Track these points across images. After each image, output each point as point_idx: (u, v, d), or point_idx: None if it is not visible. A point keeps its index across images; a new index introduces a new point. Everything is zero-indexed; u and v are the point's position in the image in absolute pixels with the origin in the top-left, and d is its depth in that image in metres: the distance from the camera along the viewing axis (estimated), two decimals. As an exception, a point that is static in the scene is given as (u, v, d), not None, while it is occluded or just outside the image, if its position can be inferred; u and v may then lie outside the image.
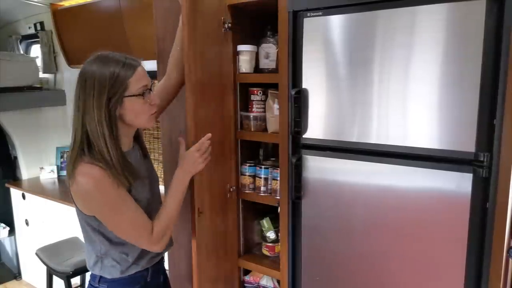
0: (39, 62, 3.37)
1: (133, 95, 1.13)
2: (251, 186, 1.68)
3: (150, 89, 1.18)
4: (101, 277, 1.26)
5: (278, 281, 1.68)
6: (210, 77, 1.47)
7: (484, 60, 1.04)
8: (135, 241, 1.22)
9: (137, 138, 1.30)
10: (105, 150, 1.10)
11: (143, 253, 1.26)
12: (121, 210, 1.15)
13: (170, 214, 1.24)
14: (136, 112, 1.15)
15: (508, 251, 1.13)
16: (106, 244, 1.22)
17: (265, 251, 1.75)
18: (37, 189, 3.00)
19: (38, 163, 3.27)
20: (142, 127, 1.21)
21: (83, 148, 1.12)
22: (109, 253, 1.23)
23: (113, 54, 1.14)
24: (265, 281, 1.74)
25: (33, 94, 3.19)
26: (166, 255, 1.49)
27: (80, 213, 1.21)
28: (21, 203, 3.08)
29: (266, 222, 1.72)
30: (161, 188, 1.51)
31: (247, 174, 1.67)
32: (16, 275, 3.29)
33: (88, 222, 1.20)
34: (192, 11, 1.31)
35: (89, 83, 1.10)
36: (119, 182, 1.12)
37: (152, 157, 2.63)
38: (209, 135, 1.30)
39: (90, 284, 1.32)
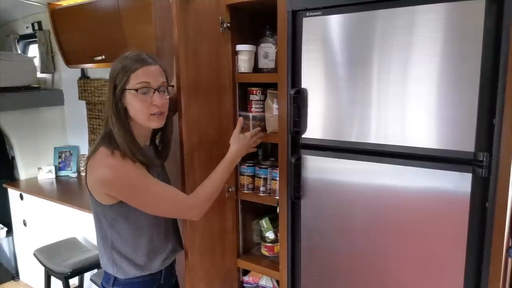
0: (36, 62, 3.36)
1: (131, 89, 1.18)
2: (250, 186, 1.68)
3: (157, 90, 1.21)
4: (115, 278, 1.28)
5: (278, 281, 1.67)
6: (207, 76, 1.47)
7: (483, 60, 1.04)
8: (172, 213, 1.31)
9: (161, 141, 1.36)
10: (117, 136, 1.18)
11: (154, 252, 1.29)
12: (146, 186, 1.19)
13: (214, 184, 1.32)
14: (134, 108, 1.20)
15: (507, 251, 1.13)
16: (117, 239, 1.24)
17: (264, 251, 1.75)
18: (35, 189, 2.99)
19: (36, 163, 3.26)
20: (145, 125, 1.24)
21: (105, 136, 1.20)
22: (121, 250, 1.25)
23: (138, 52, 1.22)
24: (264, 281, 1.74)
25: (31, 94, 3.19)
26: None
27: (97, 205, 1.23)
28: (19, 204, 3.07)
29: (265, 222, 1.72)
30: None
31: (246, 174, 1.67)
32: (14, 276, 3.28)
33: (105, 213, 1.23)
34: (182, 11, 1.32)
35: (109, 76, 1.20)
36: (135, 160, 1.19)
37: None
38: (259, 129, 1.51)
39: (102, 286, 1.33)
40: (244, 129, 1.48)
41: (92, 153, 1.20)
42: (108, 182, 1.15)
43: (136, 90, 1.18)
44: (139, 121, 1.22)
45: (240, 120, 1.45)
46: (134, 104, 1.19)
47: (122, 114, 1.20)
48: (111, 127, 1.19)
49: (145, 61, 1.19)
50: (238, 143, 1.39)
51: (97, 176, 1.16)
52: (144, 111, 1.20)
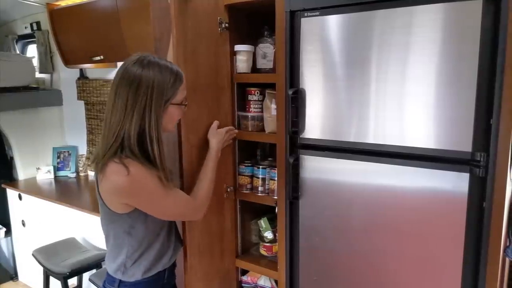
0: (35, 62, 3.35)
1: (178, 103, 1.20)
2: (249, 186, 1.68)
3: None
4: (120, 281, 1.28)
5: (276, 281, 1.68)
6: (205, 77, 1.47)
7: (480, 60, 1.05)
8: (182, 216, 1.35)
9: None
10: (156, 151, 1.15)
11: (162, 252, 1.30)
12: (164, 194, 1.20)
13: (210, 182, 1.37)
14: (171, 119, 1.22)
15: (504, 250, 1.14)
16: (134, 246, 1.24)
17: (262, 251, 1.75)
18: (34, 189, 2.98)
19: (34, 164, 3.26)
20: (166, 132, 1.25)
21: (120, 147, 1.14)
22: (134, 256, 1.25)
23: (162, 60, 1.19)
24: (262, 281, 1.74)
25: (29, 94, 3.18)
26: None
27: (113, 215, 1.21)
28: (17, 204, 3.06)
29: (263, 222, 1.72)
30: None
31: (245, 174, 1.67)
32: (12, 276, 3.27)
33: (121, 223, 1.22)
34: (180, 12, 1.32)
35: (146, 87, 1.12)
36: (157, 176, 1.16)
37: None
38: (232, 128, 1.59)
39: (105, 287, 1.32)
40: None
41: (105, 163, 1.13)
42: (126, 191, 1.13)
43: (185, 104, 1.23)
44: (169, 131, 1.25)
45: (216, 121, 1.52)
46: (174, 115, 1.21)
47: (160, 127, 1.17)
48: (129, 138, 1.12)
49: (182, 73, 1.21)
50: (216, 137, 1.46)
51: (114, 185, 1.13)
52: (175, 121, 1.25)
